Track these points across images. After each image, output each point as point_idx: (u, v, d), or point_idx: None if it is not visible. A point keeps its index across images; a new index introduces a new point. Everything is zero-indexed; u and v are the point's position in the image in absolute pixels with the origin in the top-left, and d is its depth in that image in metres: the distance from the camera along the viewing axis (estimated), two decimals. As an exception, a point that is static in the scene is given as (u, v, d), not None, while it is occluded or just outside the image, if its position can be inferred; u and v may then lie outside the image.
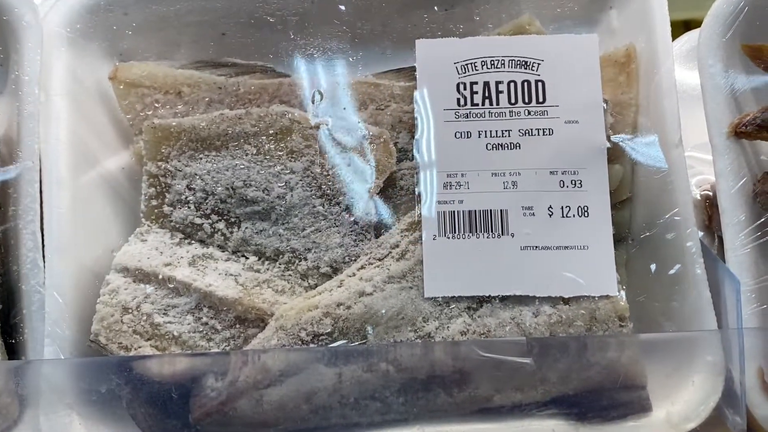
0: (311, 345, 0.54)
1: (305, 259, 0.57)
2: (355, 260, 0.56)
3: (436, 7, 0.59)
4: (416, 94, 0.57)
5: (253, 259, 0.58)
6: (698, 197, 0.63)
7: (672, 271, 0.55)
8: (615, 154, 0.58)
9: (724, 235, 0.52)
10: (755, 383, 0.51)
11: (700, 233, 0.57)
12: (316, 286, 0.57)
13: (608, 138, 0.56)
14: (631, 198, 0.59)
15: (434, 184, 0.56)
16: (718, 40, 0.52)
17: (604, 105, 0.56)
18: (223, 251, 0.59)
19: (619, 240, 0.58)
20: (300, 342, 0.54)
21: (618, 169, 0.58)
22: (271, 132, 0.58)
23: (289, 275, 0.57)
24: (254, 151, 0.58)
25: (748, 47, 0.51)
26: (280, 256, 0.57)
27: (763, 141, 0.52)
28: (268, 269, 0.58)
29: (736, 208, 0.52)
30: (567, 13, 0.60)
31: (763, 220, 0.52)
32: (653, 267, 0.56)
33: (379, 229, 0.57)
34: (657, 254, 0.56)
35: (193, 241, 0.59)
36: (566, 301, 0.54)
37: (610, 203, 0.57)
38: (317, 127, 0.57)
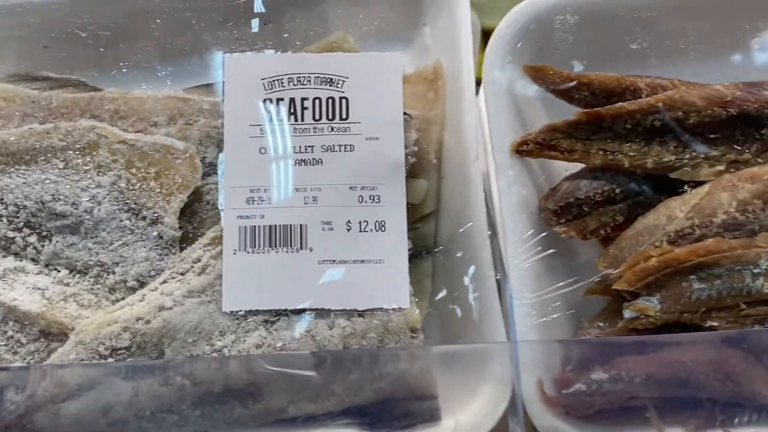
0: (109, 359, 0.54)
1: (113, 272, 0.57)
2: (161, 274, 0.57)
3: (245, 24, 0.60)
4: (223, 109, 0.58)
5: (64, 272, 0.58)
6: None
7: (468, 283, 0.57)
8: (420, 169, 0.59)
9: (506, 250, 0.53)
10: (535, 394, 0.53)
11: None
12: (123, 299, 0.57)
13: (412, 153, 0.58)
14: (437, 211, 0.60)
15: (237, 199, 0.56)
16: (502, 60, 0.54)
17: (408, 120, 0.58)
18: (36, 264, 0.59)
19: (425, 252, 0.60)
20: (98, 356, 0.54)
21: (422, 183, 0.59)
22: (78, 146, 0.58)
23: (98, 289, 0.58)
24: (62, 166, 0.58)
25: (530, 68, 0.53)
26: (90, 269, 0.58)
27: (547, 159, 0.54)
28: (77, 283, 0.58)
29: (518, 224, 0.54)
30: (373, 31, 0.61)
31: (544, 234, 0.54)
32: (454, 278, 0.58)
33: (184, 243, 0.58)
34: (457, 266, 0.58)
35: (7, 255, 0.59)
36: (361, 313, 0.55)
37: (416, 216, 0.59)
38: (125, 141, 0.58)
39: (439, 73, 0.60)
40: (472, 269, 0.57)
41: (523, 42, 0.54)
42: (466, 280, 0.57)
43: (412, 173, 0.59)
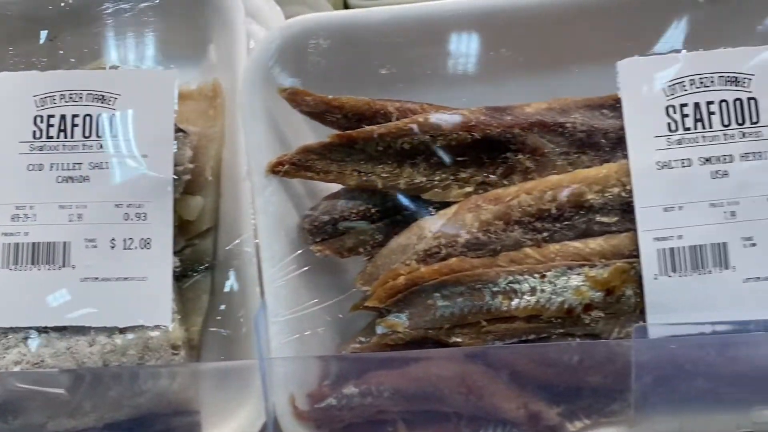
0: None
1: None
2: (-72, 291, 0.57)
3: (22, 41, 0.60)
4: (-6, 126, 0.58)
5: None
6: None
7: (237, 300, 0.58)
8: (197, 186, 0.60)
9: (262, 269, 0.54)
10: (288, 409, 0.54)
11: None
12: None
13: (187, 171, 0.59)
14: (215, 227, 0.61)
15: (2, 217, 0.56)
16: (259, 83, 0.55)
17: (183, 138, 0.58)
18: None
19: (202, 268, 0.61)
20: None
21: (198, 200, 0.60)
22: None
23: None
24: None
25: (283, 90, 0.54)
26: None
27: (303, 179, 0.55)
28: None
29: (274, 243, 0.55)
30: (158, 48, 0.61)
31: (300, 252, 0.55)
32: (226, 295, 0.59)
33: (-49, 260, 0.58)
34: (228, 282, 0.59)
35: None
36: (122, 330, 0.56)
37: (193, 233, 0.60)
38: None
39: (218, 90, 0.61)
40: (240, 286, 0.58)
41: (279, 65, 0.55)
42: (236, 297, 0.58)
43: (189, 190, 0.60)
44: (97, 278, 0.56)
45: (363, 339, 0.56)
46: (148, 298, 0.56)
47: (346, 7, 1.07)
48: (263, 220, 0.54)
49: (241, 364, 0.56)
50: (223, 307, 0.60)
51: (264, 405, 0.53)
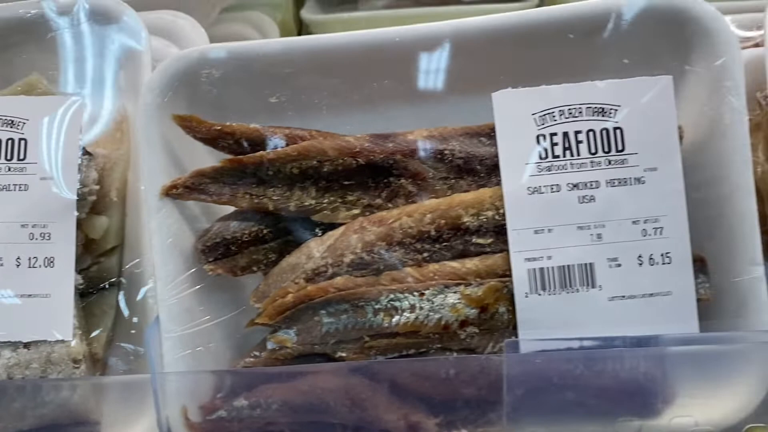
0: None
1: None
2: None
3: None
4: None
5: None
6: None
7: (140, 316, 0.61)
8: (102, 206, 0.63)
9: (156, 288, 0.57)
10: (181, 421, 0.57)
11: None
12: None
13: (92, 192, 0.61)
14: (121, 246, 0.64)
15: None
16: (155, 109, 0.57)
17: (88, 160, 0.61)
18: None
19: (109, 285, 0.64)
20: None
21: (103, 220, 0.63)
22: None
23: None
24: None
25: (178, 117, 0.57)
26: None
27: (196, 201, 0.58)
28: None
29: (168, 263, 0.57)
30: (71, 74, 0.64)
31: (194, 270, 0.58)
32: (132, 311, 0.62)
33: None
34: (133, 299, 0.62)
35: None
36: (26, 345, 0.59)
37: (99, 251, 0.63)
38: None
39: (123, 115, 0.64)
40: (142, 303, 0.61)
41: (174, 93, 0.57)
42: (139, 313, 0.61)
43: (95, 210, 0.62)
44: (2, 295, 0.59)
45: (256, 353, 0.59)
46: (50, 314, 0.59)
47: (300, 23, 1.10)
48: (157, 241, 0.57)
49: (139, 378, 0.59)
50: (136, 320, 0.62)
51: (157, 417, 0.56)
